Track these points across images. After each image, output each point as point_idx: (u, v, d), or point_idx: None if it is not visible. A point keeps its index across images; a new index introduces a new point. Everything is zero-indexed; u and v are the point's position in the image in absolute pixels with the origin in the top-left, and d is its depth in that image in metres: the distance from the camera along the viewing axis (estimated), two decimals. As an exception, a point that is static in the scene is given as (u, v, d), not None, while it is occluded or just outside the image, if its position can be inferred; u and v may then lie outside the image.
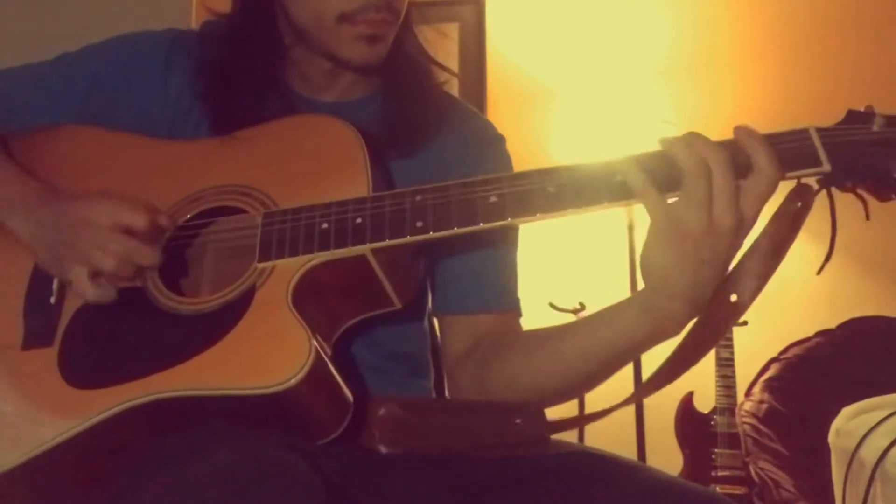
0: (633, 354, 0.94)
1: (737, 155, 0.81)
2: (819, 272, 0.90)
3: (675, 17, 2.77)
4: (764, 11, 2.76)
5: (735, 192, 0.80)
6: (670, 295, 0.84)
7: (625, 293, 2.58)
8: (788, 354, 2.39)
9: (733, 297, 0.85)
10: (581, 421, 0.97)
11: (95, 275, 0.92)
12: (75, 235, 0.92)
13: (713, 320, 0.86)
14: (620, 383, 0.95)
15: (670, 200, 0.82)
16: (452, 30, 2.83)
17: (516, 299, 1.13)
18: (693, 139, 0.82)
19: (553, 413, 1.01)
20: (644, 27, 2.76)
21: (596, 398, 0.99)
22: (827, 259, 0.89)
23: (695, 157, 0.80)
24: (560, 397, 1.00)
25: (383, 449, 0.97)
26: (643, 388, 0.91)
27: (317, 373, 0.84)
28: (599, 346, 0.93)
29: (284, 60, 1.13)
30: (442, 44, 1.25)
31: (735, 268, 0.86)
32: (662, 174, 0.82)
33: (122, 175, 1.05)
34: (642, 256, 0.84)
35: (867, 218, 0.85)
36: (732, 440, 2.35)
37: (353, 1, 1.02)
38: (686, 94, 2.69)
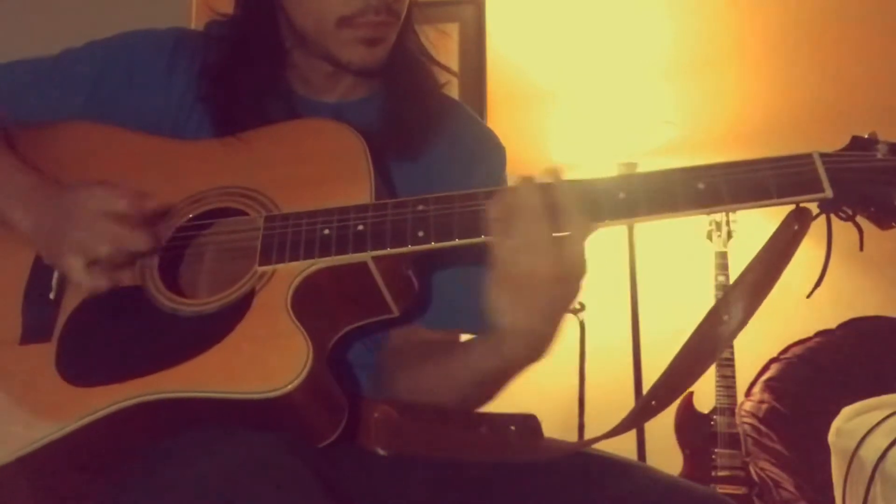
0: (498, 381, 0.97)
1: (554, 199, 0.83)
2: (809, 296, 0.91)
3: (676, 18, 2.77)
4: (766, 12, 2.75)
5: (547, 238, 0.82)
6: (510, 333, 0.88)
7: (625, 293, 2.59)
8: (788, 354, 2.39)
9: (725, 318, 0.86)
10: (581, 445, 0.97)
11: (91, 264, 0.93)
12: (69, 224, 0.93)
13: (703, 345, 0.87)
14: (622, 397, 0.95)
15: None
16: (452, 30, 2.82)
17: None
18: (515, 187, 0.84)
19: (551, 414, 1.01)
20: (645, 27, 2.76)
21: (596, 407, 0.98)
22: (818, 283, 0.90)
23: (499, 205, 0.84)
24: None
25: (381, 451, 0.97)
26: (637, 417, 0.91)
27: (314, 379, 0.84)
28: (465, 371, 0.97)
29: (286, 62, 1.13)
30: (442, 44, 1.25)
31: (727, 291, 0.87)
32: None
33: (123, 173, 1.04)
34: (487, 296, 0.87)
35: (861, 249, 0.86)
36: (732, 440, 2.35)
37: (353, 4, 1.02)
38: (687, 94, 2.69)
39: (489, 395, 1.01)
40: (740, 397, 2.39)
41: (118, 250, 0.93)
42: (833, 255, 0.89)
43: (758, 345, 2.42)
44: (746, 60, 2.75)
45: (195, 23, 2.31)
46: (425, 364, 1.03)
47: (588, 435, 2.33)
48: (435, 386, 1.00)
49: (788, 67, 2.71)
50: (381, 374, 1.09)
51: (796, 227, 0.85)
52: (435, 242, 0.89)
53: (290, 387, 0.82)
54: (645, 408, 0.89)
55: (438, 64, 1.19)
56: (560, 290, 0.84)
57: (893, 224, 0.83)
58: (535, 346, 0.89)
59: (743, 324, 0.86)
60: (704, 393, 2.41)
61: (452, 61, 2.77)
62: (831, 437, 1.73)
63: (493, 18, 2.86)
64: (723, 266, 2.42)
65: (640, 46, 2.73)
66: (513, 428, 0.94)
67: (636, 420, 0.91)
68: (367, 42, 1.05)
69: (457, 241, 0.88)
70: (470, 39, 2.83)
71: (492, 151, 1.19)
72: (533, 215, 0.82)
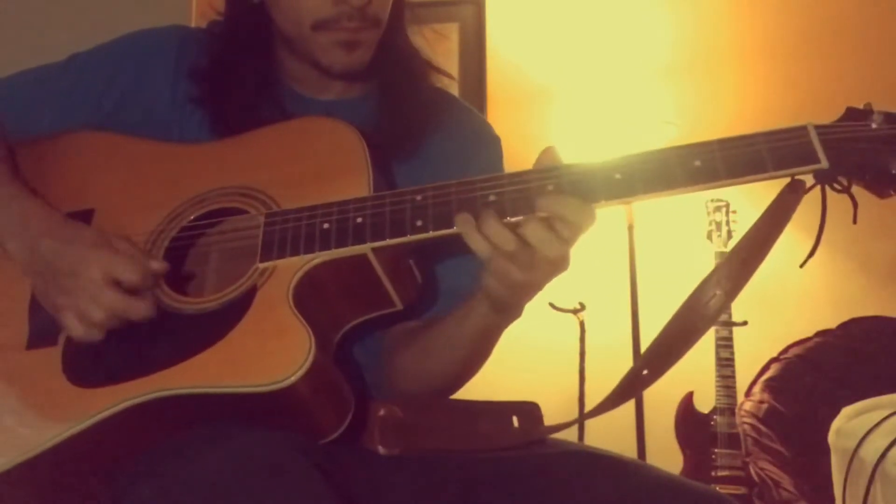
0: (492, 337, 1.01)
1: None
2: (802, 265, 0.92)
3: (675, 17, 2.77)
4: (765, 11, 2.76)
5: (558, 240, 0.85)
6: (504, 302, 0.93)
7: (625, 293, 2.59)
8: (788, 354, 2.39)
9: (717, 289, 0.88)
10: (580, 420, 0.98)
11: (83, 318, 0.91)
12: (68, 282, 0.92)
13: (695, 314, 0.89)
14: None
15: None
16: (452, 30, 2.83)
17: None
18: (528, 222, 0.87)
19: (551, 413, 1.01)
20: (644, 27, 2.76)
21: (596, 399, 0.99)
22: (811, 253, 0.90)
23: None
24: (448, 382, 1.05)
25: (382, 450, 0.97)
26: (629, 385, 0.92)
27: (317, 371, 0.84)
28: (460, 333, 0.99)
29: (276, 62, 1.14)
30: (441, 44, 1.25)
31: (721, 261, 0.88)
32: None
33: (127, 179, 1.06)
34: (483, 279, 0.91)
35: (854, 222, 0.86)
36: (732, 440, 2.35)
37: (325, 10, 1.03)
38: (687, 93, 2.69)
39: (485, 352, 1.04)
40: (740, 397, 2.39)
41: (115, 318, 0.92)
42: (833, 255, 0.90)
43: (758, 345, 2.42)
44: (745, 61, 2.75)
45: (195, 23, 2.31)
46: (426, 345, 1.04)
47: (589, 433, 2.33)
48: (439, 360, 1.02)
49: (787, 67, 2.71)
50: (382, 367, 1.09)
51: (790, 199, 0.86)
52: (433, 231, 0.89)
53: (293, 378, 0.82)
54: (637, 377, 0.90)
55: (432, 65, 1.19)
56: (557, 267, 0.88)
57: (891, 192, 0.84)
58: (523, 304, 0.95)
59: (734, 294, 0.88)
60: (704, 393, 2.42)
61: (452, 61, 2.78)
62: (831, 437, 1.73)
63: (493, 18, 2.86)
64: (723, 266, 2.42)
65: (640, 47, 2.73)
66: (515, 417, 0.95)
67: (629, 390, 0.91)
68: (344, 46, 1.05)
69: (455, 229, 0.88)
70: (470, 39, 2.83)
71: (488, 142, 1.20)
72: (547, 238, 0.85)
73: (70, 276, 0.92)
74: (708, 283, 0.88)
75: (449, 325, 1.00)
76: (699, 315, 0.88)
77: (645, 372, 0.89)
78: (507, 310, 0.95)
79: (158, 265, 0.95)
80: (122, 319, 0.92)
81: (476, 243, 0.87)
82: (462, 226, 0.87)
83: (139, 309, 0.92)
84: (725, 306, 0.88)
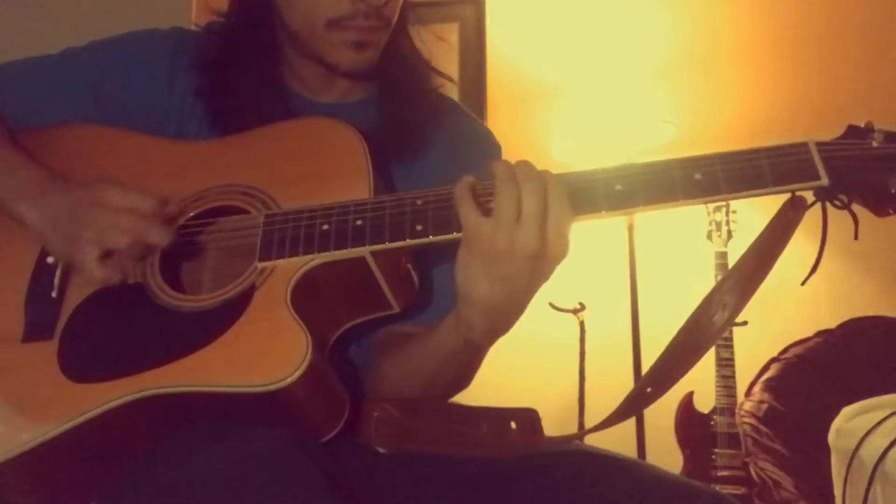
0: (465, 357, 0.97)
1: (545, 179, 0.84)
2: (803, 283, 0.91)
3: (675, 17, 2.78)
4: (764, 12, 2.76)
5: (543, 220, 0.82)
6: (469, 303, 0.88)
7: (625, 293, 2.59)
8: (788, 354, 2.39)
9: (720, 305, 0.87)
10: (580, 435, 0.98)
11: (105, 256, 0.93)
12: (89, 215, 0.94)
13: (698, 332, 0.88)
14: (622, 397, 0.95)
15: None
16: (452, 30, 2.83)
17: None
18: (520, 164, 0.85)
19: (551, 414, 1.01)
20: (644, 27, 2.76)
21: (596, 406, 0.99)
22: (812, 270, 0.90)
23: (506, 174, 0.84)
24: (423, 394, 1.03)
25: (381, 449, 0.97)
26: (633, 404, 0.91)
27: (313, 372, 0.84)
28: (430, 349, 0.97)
29: (281, 61, 1.14)
30: (441, 45, 1.25)
31: (723, 279, 0.88)
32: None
33: (126, 174, 1.05)
34: (455, 266, 0.88)
35: (856, 238, 0.86)
36: (732, 440, 2.35)
37: (342, 7, 1.03)
38: (686, 94, 2.70)
39: (461, 373, 1.02)
40: (740, 397, 2.39)
41: (138, 243, 0.94)
42: (832, 255, 0.89)
43: (758, 345, 2.42)
44: (745, 60, 2.75)
45: (195, 23, 2.31)
46: (399, 352, 1.03)
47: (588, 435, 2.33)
48: (407, 371, 1.01)
49: (787, 67, 2.71)
50: (365, 370, 1.09)
51: (791, 216, 0.86)
52: (433, 236, 0.89)
53: (289, 379, 0.82)
54: (641, 395, 0.89)
55: (433, 68, 1.19)
56: (534, 268, 0.84)
57: (890, 211, 0.84)
58: (499, 321, 0.90)
59: (737, 312, 0.87)
60: (704, 393, 2.41)
61: (452, 61, 2.78)
62: (831, 437, 1.74)
63: (493, 18, 2.86)
64: (723, 266, 2.42)
65: (640, 46, 2.73)
66: (513, 423, 0.95)
67: (632, 408, 0.91)
68: (355, 45, 1.05)
69: (455, 235, 0.88)
70: (470, 39, 2.83)
71: (488, 149, 1.20)
72: (529, 190, 0.83)
73: (91, 210, 0.94)
74: (711, 301, 0.88)
75: (423, 337, 1.00)
76: (703, 332, 0.88)
77: (649, 390, 0.89)
78: (472, 316, 0.90)
79: (175, 207, 0.97)
80: (144, 245, 0.94)
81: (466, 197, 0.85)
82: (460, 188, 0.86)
83: (158, 232, 0.94)
84: (729, 323, 0.87)
